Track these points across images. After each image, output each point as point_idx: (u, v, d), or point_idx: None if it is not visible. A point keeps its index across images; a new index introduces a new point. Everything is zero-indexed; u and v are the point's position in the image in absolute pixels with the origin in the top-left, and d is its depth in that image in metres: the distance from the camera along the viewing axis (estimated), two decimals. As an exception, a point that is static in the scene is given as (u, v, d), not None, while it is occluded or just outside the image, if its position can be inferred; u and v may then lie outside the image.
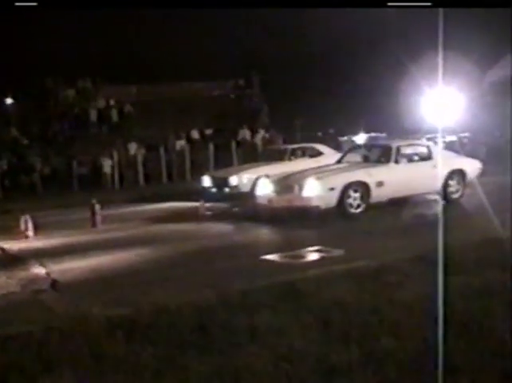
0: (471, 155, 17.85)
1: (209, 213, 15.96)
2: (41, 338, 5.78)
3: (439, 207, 13.57)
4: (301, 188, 13.40)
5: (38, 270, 9.83)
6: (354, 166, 14.69)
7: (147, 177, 29.73)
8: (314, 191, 13.22)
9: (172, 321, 5.94)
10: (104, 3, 7.02)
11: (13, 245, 12.66)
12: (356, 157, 15.44)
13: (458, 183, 14.90)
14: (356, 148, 16.99)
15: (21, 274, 9.72)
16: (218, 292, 6.78)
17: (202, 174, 21.76)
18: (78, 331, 5.89)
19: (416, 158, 14.80)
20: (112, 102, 36.15)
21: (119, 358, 5.23)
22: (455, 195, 14.83)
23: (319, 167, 15.15)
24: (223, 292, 6.79)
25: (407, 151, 14.85)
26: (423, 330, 5.05)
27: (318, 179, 13.47)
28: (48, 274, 9.44)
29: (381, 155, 14.78)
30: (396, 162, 14.32)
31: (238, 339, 5.43)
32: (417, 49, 23.92)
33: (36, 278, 9.31)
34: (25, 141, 33.00)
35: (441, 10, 4.88)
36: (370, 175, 13.71)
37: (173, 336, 5.63)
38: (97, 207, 14.96)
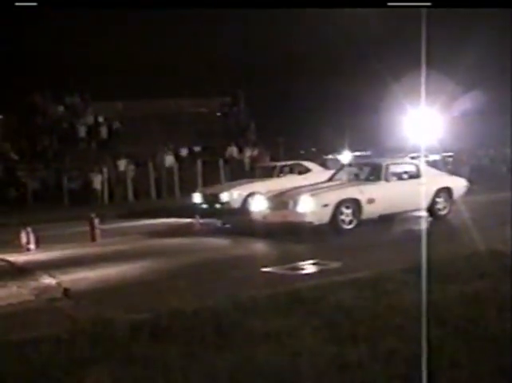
0: (455, 174, 18.49)
1: (204, 228, 16.40)
2: (70, 340, 6.24)
3: (426, 224, 14.18)
4: (295, 204, 13.94)
5: (48, 280, 10.25)
6: (346, 183, 15.27)
7: (136, 193, 30.17)
8: (308, 208, 13.77)
9: (191, 324, 6.44)
10: (104, 4, 7.31)
11: (17, 257, 13.06)
12: (346, 175, 16.01)
13: (446, 201, 15.51)
14: (346, 166, 17.54)
15: (31, 284, 10.13)
16: (229, 298, 7.28)
17: (191, 190, 22.22)
18: (104, 333, 6.36)
19: (405, 176, 15.38)
20: (100, 118, 36.55)
21: (144, 356, 5.70)
22: (442, 212, 15.43)
23: (312, 185, 15.67)
24: (235, 298, 7.29)
25: (397, 169, 15.43)
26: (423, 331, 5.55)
27: (312, 195, 14.03)
28: (59, 283, 9.87)
29: (371, 173, 15.36)
30: (386, 180, 14.91)
31: (254, 339, 5.93)
32: (401, 68, 24.54)
33: (48, 288, 9.72)
34: (15, 156, 33.26)
35: (424, 28, 5.31)
36: (361, 192, 14.28)
37: (193, 336, 6.11)
38: (96, 221, 15.37)
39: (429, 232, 12.22)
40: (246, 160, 33.00)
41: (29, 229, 14.49)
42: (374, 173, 15.24)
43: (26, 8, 6.39)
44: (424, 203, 14.54)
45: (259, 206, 15.03)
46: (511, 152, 27.65)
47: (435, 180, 15.62)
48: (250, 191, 19.10)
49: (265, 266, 10.24)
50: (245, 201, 18.88)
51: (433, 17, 5.39)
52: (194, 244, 14.00)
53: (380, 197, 14.40)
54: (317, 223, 13.81)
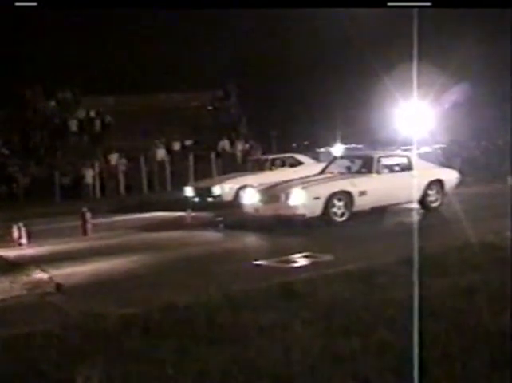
0: (446, 166, 18.50)
1: (196, 222, 16.37)
2: (62, 335, 6.23)
3: (418, 215, 14.21)
4: (287, 198, 13.93)
5: (40, 275, 10.18)
6: (338, 176, 15.26)
7: (128, 187, 30.16)
8: (300, 201, 13.76)
9: (183, 318, 6.43)
10: (103, 3, 7.28)
11: (8, 252, 13.00)
12: (338, 167, 15.99)
13: (437, 193, 15.51)
14: (338, 158, 17.52)
15: (23, 279, 10.06)
16: (222, 292, 7.27)
17: (183, 184, 22.20)
18: (96, 328, 6.35)
19: (397, 168, 15.40)
20: (91, 113, 36.48)
21: (136, 350, 5.69)
22: (434, 204, 15.44)
23: (304, 177, 15.65)
24: (227, 292, 7.28)
25: (388, 161, 15.44)
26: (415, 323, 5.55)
27: (304, 188, 14.03)
28: (50, 278, 9.82)
29: (363, 165, 15.34)
30: (378, 172, 14.90)
31: (247, 332, 5.92)
32: (392, 61, 24.56)
33: (40, 283, 9.67)
34: (6, 151, 33.17)
35: (415, 24, 5.30)
36: (353, 184, 14.28)
37: (185, 330, 6.10)
38: (88, 215, 15.32)
39: (421, 224, 12.27)
40: (238, 154, 33.00)
41: (20, 224, 14.44)
42: (366, 165, 15.22)
43: (26, 8, 6.38)
44: (416, 195, 14.58)
45: (251, 199, 15.01)
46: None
47: (426, 172, 15.60)
48: (242, 184, 19.09)
49: (258, 259, 10.23)
50: (236, 194, 18.84)
51: (424, 12, 5.38)
52: (185, 238, 13.96)
53: (371, 189, 14.41)
54: (308, 215, 13.81)
